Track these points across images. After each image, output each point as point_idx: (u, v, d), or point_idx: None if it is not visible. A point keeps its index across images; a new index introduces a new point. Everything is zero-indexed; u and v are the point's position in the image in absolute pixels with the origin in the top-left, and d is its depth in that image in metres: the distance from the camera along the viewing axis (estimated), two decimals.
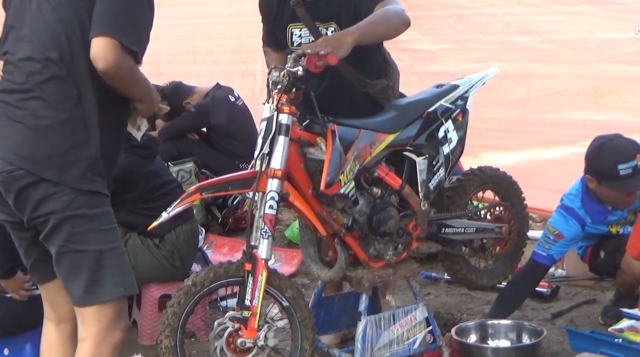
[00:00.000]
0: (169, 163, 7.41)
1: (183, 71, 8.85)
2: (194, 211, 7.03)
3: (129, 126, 3.73)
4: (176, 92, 7.99)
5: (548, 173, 7.02)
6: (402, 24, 4.49)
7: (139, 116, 3.80)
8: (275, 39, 4.85)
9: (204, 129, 8.08)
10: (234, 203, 7.55)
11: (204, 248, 6.72)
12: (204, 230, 6.43)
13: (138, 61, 3.36)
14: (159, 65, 9.05)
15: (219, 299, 5.58)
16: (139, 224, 4.95)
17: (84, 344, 3.37)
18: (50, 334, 3.62)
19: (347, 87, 4.77)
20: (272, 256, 6.64)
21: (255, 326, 4.11)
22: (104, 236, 3.33)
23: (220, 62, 9.20)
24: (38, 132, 3.26)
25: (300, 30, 4.72)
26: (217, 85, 8.07)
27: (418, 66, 7.37)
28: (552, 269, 6.39)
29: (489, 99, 7.08)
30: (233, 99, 7.93)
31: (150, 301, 5.32)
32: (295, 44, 4.74)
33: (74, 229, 3.28)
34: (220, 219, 7.58)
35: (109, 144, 3.41)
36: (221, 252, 6.89)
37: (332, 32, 4.61)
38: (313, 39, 4.63)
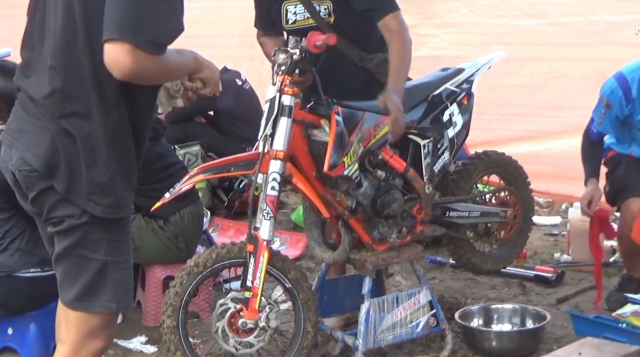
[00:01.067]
0: (176, 146, 7.41)
1: None
2: (200, 194, 7.05)
3: (164, 102, 3.42)
4: None
5: (554, 157, 6.98)
6: (411, 45, 4.61)
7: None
8: (270, 22, 4.85)
9: (211, 112, 8.08)
10: (240, 186, 7.55)
11: (210, 231, 6.73)
12: (209, 213, 6.42)
13: (162, 52, 2.95)
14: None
15: (222, 281, 5.64)
16: (144, 206, 4.93)
17: (62, 346, 3.23)
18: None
19: (341, 64, 4.77)
20: (278, 240, 6.78)
21: (257, 307, 4.12)
22: (114, 248, 3.14)
23: (228, 45, 9.15)
24: (58, 139, 3.04)
25: (295, 7, 4.72)
26: (224, 69, 8.05)
27: (422, 50, 7.32)
28: (557, 254, 6.40)
29: (493, 83, 7.03)
30: (240, 83, 7.92)
31: (155, 282, 5.33)
32: (290, 22, 4.74)
33: (86, 235, 3.10)
34: (226, 203, 7.58)
35: (129, 161, 3.15)
36: (227, 235, 6.89)
37: (325, 9, 4.63)
38: (308, 15, 4.65)
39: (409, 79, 4.91)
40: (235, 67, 8.23)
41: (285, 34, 4.83)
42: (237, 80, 7.93)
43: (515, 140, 7.16)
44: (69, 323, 3.22)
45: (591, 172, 5.34)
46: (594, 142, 5.38)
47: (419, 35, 7.25)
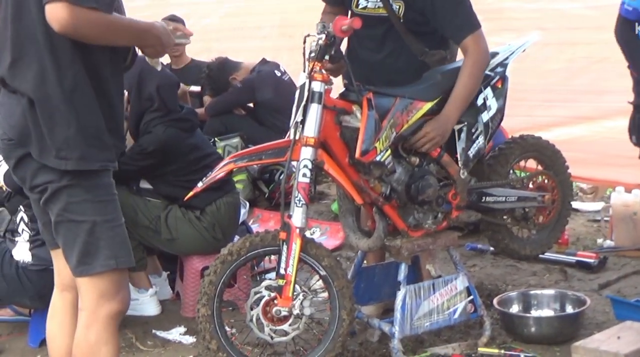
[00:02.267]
0: (216, 138, 7.42)
1: (232, 47, 8.83)
2: (241, 186, 7.09)
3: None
4: (222, 68, 8.00)
5: (596, 143, 6.90)
6: (483, 73, 4.64)
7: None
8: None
9: (251, 104, 8.08)
10: (281, 178, 7.54)
11: (250, 223, 6.73)
12: (247, 204, 6.43)
13: (106, 11, 3.14)
14: (209, 42, 9.04)
15: (254, 271, 5.65)
16: (180, 197, 4.95)
17: (81, 314, 3.38)
18: (55, 302, 3.63)
19: (405, 55, 4.76)
20: (318, 230, 6.77)
21: (290, 295, 4.12)
22: (99, 208, 3.28)
23: (269, 37, 9.17)
24: (25, 108, 3.24)
25: None
26: (263, 60, 8.06)
27: None
28: (600, 240, 6.33)
29: (531, 69, 6.96)
30: (279, 74, 7.91)
31: (193, 273, 5.34)
32: (360, 7, 4.74)
33: (70, 198, 3.25)
34: (267, 194, 7.58)
35: (93, 116, 3.26)
36: (267, 226, 6.87)
37: (397, 7, 4.63)
38: (380, 5, 4.65)
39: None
40: (275, 58, 8.22)
41: (349, 15, 4.80)
42: (276, 71, 7.92)
43: (556, 126, 7.08)
44: (82, 292, 3.36)
45: None
46: (631, 22, 4.92)
47: None
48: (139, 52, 3.45)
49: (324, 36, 4.15)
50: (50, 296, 4.49)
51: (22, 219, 4.91)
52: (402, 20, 4.66)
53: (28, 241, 4.89)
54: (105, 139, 3.29)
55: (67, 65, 3.20)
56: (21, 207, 4.87)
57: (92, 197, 3.27)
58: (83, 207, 3.26)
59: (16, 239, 4.94)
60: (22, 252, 4.91)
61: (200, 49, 7.84)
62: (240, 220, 5.77)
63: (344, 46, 4.69)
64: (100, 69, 3.27)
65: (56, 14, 3.05)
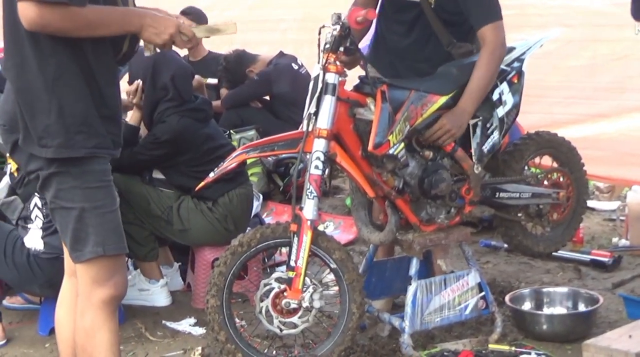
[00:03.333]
0: (231, 131, 7.40)
1: (254, 39, 8.83)
2: (256, 179, 7.08)
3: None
4: (239, 60, 7.98)
5: (615, 141, 6.85)
6: (500, 64, 4.59)
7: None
8: None
9: (267, 97, 8.06)
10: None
11: (264, 216, 6.72)
12: (261, 196, 6.41)
13: (78, 4, 3.11)
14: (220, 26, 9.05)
15: (266, 264, 5.64)
16: (193, 187, 4.93)
17: (78, 300, 3.41)
18: (64, 287, 3.65)
19: (432, 44, 4.74)
20: (332, 224, 6.75)
21: (300, 287, 4.10)
22: (88, 194, 3.28)
23: (290, 30, 9.17)
24: (15, 96, 3.27)
25: None
26: (281, 53, 8.04)
27: None
28: (615, 239, 6.28)
29: (552, 65, 6.92)
30: (296, 67, 7.89)
31: (204, 264, 5.33)
32: None
33: (59, 185, 3.27)
34: (281, 187, 7.56)
35: (80, 104, 3.24)
36: (280, 219, 6.82)
37: None
38: None
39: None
40: (296, 51, 8.21)
41: (379, 4, 4.78)
42: (293, 64, 7.90)
43: (575, 123, 7.02)
44: (78, 277, 3.41)
45: None
46: None
47: None
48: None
49: (338, 27, 4.12)
50: (61, 284, 4.50)
51: (35, 204, 4.91)
52: (432, 6, 4.63)
53: (41, 228, 4.88)
54: (96, 126, 3.27)
55: (49, 55, 3.20)
56: (35, 193, 4.86)
57: (80, 184, 3.27)
58: (72, 194, 3.27)
59: (29, 226, 4.94)
60: (34, 239, 4.90)
61: (223, 41, 7.82)
62: (254, 212, 5.76)
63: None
64: (85, 57, 3.24)
65: (25, 13, 3.08)
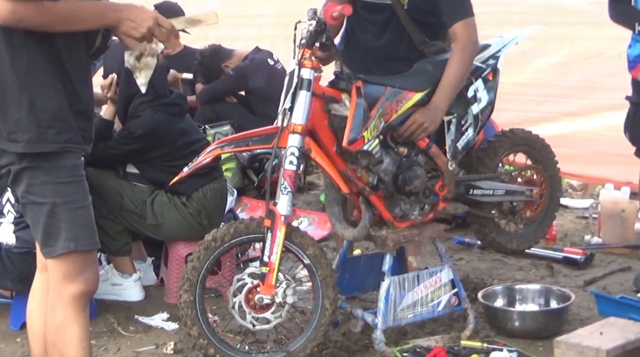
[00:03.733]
0: (206, 126, 7.38)
1: (230, 34, 8.82)
2: (230, 175, 7.06)
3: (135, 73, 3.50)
4: (215, 55, 7.95)
5: (588, 140, 6.90)
6: (472, 61, 4.62)
7: (140, 49, 3.46)
8: None
9: (242, 92, 8.04)
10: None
11: (238, 211, 6.71)
12: (235, 191, 6.40)
13: None
14: (206, 28, 9.02)
15: (239, 259, 5.63)
16: (167, 182, 4.91)
17: (49, 294, 3.39)
18: (36, 281, 3.62)
19: (406, 44, 4.75)
20: (306, 220, 6.75)
21: (273, 282, 4.09)
22: (59, 189, 3.25)
23: (266, 25, 9.16)
24: None
25: None
26: (257, 49, 8.02)
27: None
28: (587, 237, 6.32)
29: (528, 63, 6.96)
30: (272, 62, 7.87)
31: (177, 259, 5.31)
32: None
33: (31, 180, 3.24)
34: (256, 183, 7.55)
35: (52, 100, 3.21)
36: (255, 215, 6.83)
37: None
38: None
39: None
40: (271, 47, 8.19)
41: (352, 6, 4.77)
42: (269, 60, 7.88)
43: (549, 121, 7.07)
44: (49, 272, 3.39)
45: None
46: (623, 2, 5.09)
47: None
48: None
49: (314, 23, 4.12)
50: (32, 278, 4.48)
51: (8, 200, 4.88)
52: (405, 7, 4.64)
53: (12, 223, 4.86)
54: (68, 121, 3.24)
55: (21, 49, 3.17)
56: (8, 188, 4.83)
57: (52, 179, 3.24)
58: (43, 189, 3.24)
59: (1, 220, 4.91)
60: (5, 234, 4.88)
61: (198, 36, 7.80)
62: (228, 208, 5.75)
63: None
64: (57, 52, 3.21)
65: None
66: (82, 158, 3.35)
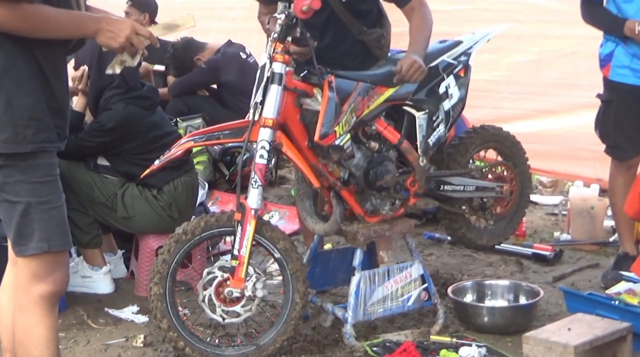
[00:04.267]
0: (178, 119, 7.37)
1: (201, 27, 8.76)
2: (201, 168, 7.05)
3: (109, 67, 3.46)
4: (187, 48, 7.94)
5: (560, 136, 6.94)
6: (431, 27, 4.69)
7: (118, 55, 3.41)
8: None
9: (214, 86, 8.03)
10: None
11: (209, 205, 6.70)
12: (206, 185, 6.39)
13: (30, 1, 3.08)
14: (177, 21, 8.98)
15: (210, 253, 5.62)
16: (138, 175, 4.90)
17: (17, 293, 3.35)
18: (7, 276, 3.58)
19: (349, 39, 4.77)
20: (277, 214, 6.75)
21: (243, 276, 4.10)
22: (34, 189, 3.21)
23: (239, 19, 9.13)
24: None
25: None
26: (229, 42, 8.01)
27: (433, 27, 7.28)
28: (557, 233, 6.35)
29: (501, 61, 6.99)
30: (244, 56, 7.86)
31: (148, 252, 5.30)
32: None
33: (5, 179, 3.20)
34: (227, 176, 7.54)
35: (29, 98, 3.17)
36: (226, 209, 6.84)
37: None
38: None
39: (405, 51, 4.88)
40: (244, 40, 8.18)
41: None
42: (241, 53, 7.87)
43: (522, 118, 7.10)
44: (18, 270, 3.34)
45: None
46: (595, 3, 5.21)
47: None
48: None
49: (284, 16, 4.12)
50: (3, 272, 4.46)
51: None
52: (343, 1, 4.65)
53: None
54: (45, 120, 3.21)
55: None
56: None
57: (27, 178, 3.20)
58: (17, 188, 3.20)
59: None
60: None
61: None
62: (199, 201, 5.74)
63: None
64: (32, 50, 3.17)
65: None
66: (56, 156, 3.32)
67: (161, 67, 7.99)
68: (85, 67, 5.26)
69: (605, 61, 5.19)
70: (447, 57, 4.74)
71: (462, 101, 4.79)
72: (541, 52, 7.04)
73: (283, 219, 6.74)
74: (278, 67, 4.12)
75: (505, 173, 5.07)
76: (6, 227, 3.29)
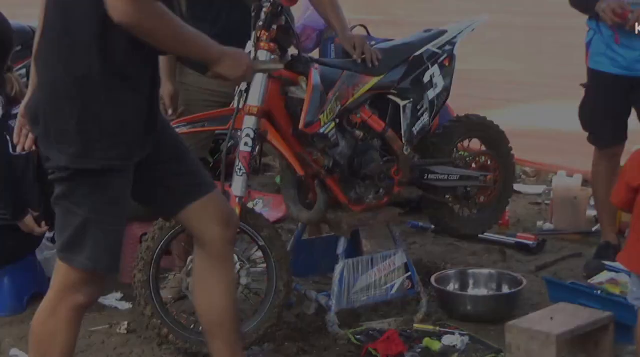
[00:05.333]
0: None
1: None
2: None
3: None
4: None
5: (544, 126, 6.97)
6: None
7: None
8: None
9: None
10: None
11: None
12: None
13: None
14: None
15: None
16: None
17: (49, 292, 3.27)
18: (195, 262, 3.61)
19: (237, 12, 4.61)
20: (261, 201, 6.74)
21: None
22: (98, 207, 3.10)
23: None
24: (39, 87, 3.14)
25: None
26: None
27: (417, 17, 7.33)
28: (540, 222, 6.37)
29: (497, 51, 7.02)
30: None
31: (132, 239, 5.27)
32: None
33: (74, 189, 3.08)
34: (211, 164, 7.51)
35: (107, 120, 3.03)
36: None
37: None
38: None
39: (390, 40, 4.89)
40: None
41: None
42: None
43: (506, 107, 7.14)
44: (56, 272, 3.26)
45: None
46: None
47: (415, 2, 7.27)
48: None
49: (268, 4, 4.11)
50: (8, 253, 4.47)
51: None
52: None
53: None
54: (122, 137, 3.07)
55: (83, 53, 2.99)
56: None
57: (94, 196, 3.09)
58: (83, 202, 3.09)
59: None
60: None
61: None
62: None
63: None
64: (127, 67, 3.04)
65: (118, 3, 2.83)
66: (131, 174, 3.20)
67: None
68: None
69: (586, 49, 5.22)
70: (431, 47, 4.75)
71: (446, 90, 4.80)
72: (539, 43, 7.07)
73: (267, 207, 6.72)
74: (263, 55, 4.11)
75: (489, 162, 5.09)
76: (58, 230, 3.20)
